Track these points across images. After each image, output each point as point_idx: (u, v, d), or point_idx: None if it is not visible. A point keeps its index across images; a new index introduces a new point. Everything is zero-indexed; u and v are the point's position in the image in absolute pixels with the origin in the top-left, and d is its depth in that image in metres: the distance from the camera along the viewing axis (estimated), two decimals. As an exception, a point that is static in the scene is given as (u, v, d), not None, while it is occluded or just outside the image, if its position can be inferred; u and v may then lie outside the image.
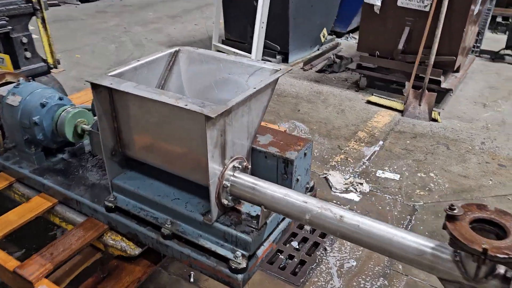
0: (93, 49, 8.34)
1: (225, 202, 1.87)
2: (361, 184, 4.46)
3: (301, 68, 7.39)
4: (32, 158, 2.51)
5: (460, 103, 6.40)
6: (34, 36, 4.46)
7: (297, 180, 2.04)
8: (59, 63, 4.51)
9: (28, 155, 2.51)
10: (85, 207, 2.26)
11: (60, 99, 2.47)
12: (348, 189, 4.40)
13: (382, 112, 6.01)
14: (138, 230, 2.07)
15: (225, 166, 1.85)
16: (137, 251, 2.11)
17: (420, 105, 5.93)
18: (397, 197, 4.32)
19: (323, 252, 3.59)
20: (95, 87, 1.93)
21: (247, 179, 1.85)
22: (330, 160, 4.86)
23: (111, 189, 2.19)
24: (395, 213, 4.09)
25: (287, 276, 3.28)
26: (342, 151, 5.05)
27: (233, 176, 1.87)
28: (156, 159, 2.08)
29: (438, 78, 6.00)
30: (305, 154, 2.05)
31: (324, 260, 3.51)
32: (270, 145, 2.05)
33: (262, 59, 6.76)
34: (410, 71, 6.04)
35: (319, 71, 7.30)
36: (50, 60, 4.37)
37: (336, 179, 4.50)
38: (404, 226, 3.91)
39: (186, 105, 1.67)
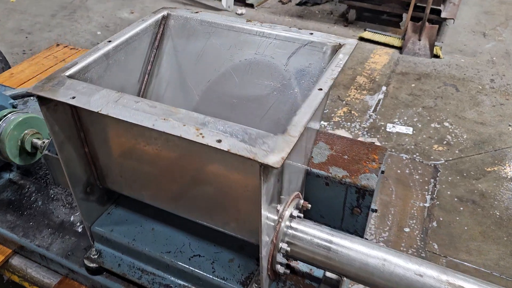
0: (29, -10, 6.97)
1: (281, 270, 1.21)
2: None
3: (279, 1, 6.46)
4: (-37, 187, 1.72)
5: (459, 33, 5.78)
6: None
7: (372, 211, 1.39)
8: (-14, 19, 3.45)
9: (-44, 183, 1.71)
10: (55, 264, 1.54)
11: (-8, 98, 1.64)
12: (359, 151, 3.80)
13: (378, 50, 5.31)
14: (143, 302, 1.40)
15: (280, 218, 1.16)
16: (142, 325, 1.45)
17: (420, 40, 5.26)
18: (414, 156, 3.78)
19: (345, 235, 3.06)
20: (44, 102, 1.13)
21: (316, 234, 1.18)
22: (333, 115, 4.20)
23: (91, 239, 1.47)
24: (416, 177, 3.58)
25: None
26: (344, 102, 4.40)
27: (291, 228, 1.20)
28: (159, 200, 1.36)
29: (438, 7, 5.30)
30: (382, 172, 1.38)
31: (348, 246, 2.99)
32: (331, 164, 1.35)
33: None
34: (406, 0, 5.31)
35: (300, 3, 6.41)
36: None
37: (344, 140, 3.88)
38: (430, 193, 3.41)
39: (220, 140, 0.93)
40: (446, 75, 4.89)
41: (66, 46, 2.98)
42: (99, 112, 1.04)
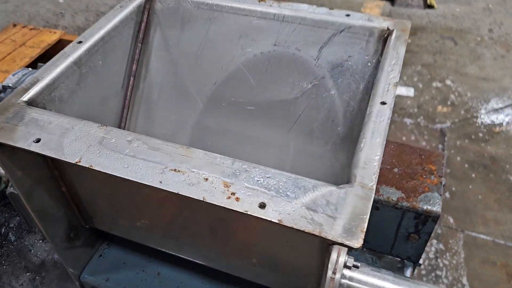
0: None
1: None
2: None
3: (256, -46, 5.92)
4: None
5: (451, -21, 5.41)
6: None
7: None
8: None
9: None
10: (40, 319, 1.26)
11: None
12: (360, 119, 3.54)
13: (368, 3, 4.95)
14: None
15: (334, 272, 0.89)
16: None
17: (412, -11, 4.90)
18: (419, 119, 3.54)
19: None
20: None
21: (377, 284, 0.91)
22: (328, 80, 3.89)
23: (82, 289, 1.18)
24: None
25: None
26: (338, 65, 4.07)
27: (345, 278, 0.93)
28: (166, 247, 1.07)
29: (430, -49, 4.91)
30: (443, 185, 1.12)
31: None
32: (380, 182, 1.08)
33: None
34: None
35: (279, -45, 5.88)
36: None
37: (343, 107, 3.60)
38: (439, 161, 3.20)
39: (263, 205, 0.64)
40: (443, 27, 4.59)
41: (25, 26, 2.55)
42: (78, 163, 0.72)
